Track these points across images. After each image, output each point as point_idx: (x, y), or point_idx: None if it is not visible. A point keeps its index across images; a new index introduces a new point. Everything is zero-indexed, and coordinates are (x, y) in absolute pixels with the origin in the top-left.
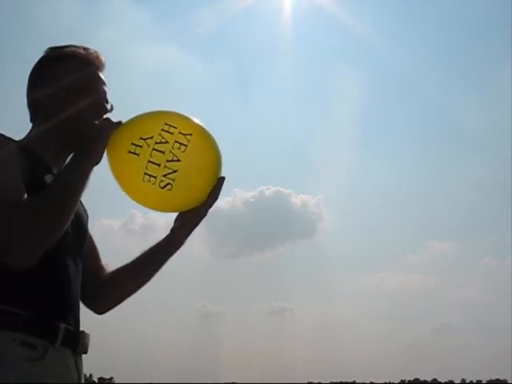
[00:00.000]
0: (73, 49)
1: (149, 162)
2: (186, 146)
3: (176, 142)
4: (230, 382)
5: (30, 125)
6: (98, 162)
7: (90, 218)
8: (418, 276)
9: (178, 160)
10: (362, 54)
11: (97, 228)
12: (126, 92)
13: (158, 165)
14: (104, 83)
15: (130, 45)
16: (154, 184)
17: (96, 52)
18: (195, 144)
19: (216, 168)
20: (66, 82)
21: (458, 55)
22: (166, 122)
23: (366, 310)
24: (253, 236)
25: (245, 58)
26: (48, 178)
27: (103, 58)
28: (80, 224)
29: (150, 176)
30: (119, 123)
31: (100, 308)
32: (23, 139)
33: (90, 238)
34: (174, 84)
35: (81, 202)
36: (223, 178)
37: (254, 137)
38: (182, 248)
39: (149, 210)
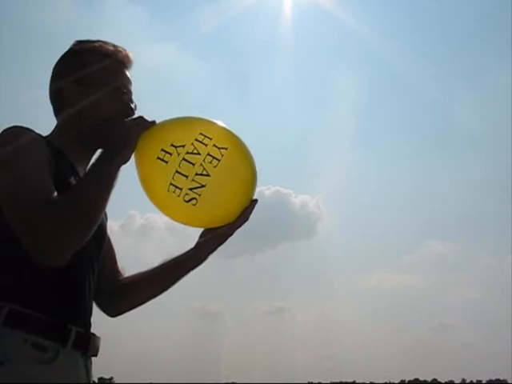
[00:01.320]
0: (100, 43)
1: (176, 172)
2: (218, 160)
3: (209, 154)
4: (230, 382)
5: (34, 123)
6: (127, 161)
7: None
8: (417, 276)
9: (208, 175)
10: (361, 53)
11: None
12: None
13: (186, 176)
14: (130, 82)
15: (129, 44)
16: (178, 196)
17: (125, 50)
18: (229, 160)
19: (248, 188)
20: (98, 81)
21: (457, 55)
22: (202, 131)
23: (365, 309)
24: (252, 236)
25: (244, 57)
26: (70, 175)
27: (132, 56)
28: (99, 224)
29: (176, 187)
30: (153, 123)
31: (113, 311)
32: (49, 137)
33: (108, 239)
34: (172, 83)
35: None
36: (256, 201)
37: (253, 136)
38: (183, 248)
39: (171, 220)
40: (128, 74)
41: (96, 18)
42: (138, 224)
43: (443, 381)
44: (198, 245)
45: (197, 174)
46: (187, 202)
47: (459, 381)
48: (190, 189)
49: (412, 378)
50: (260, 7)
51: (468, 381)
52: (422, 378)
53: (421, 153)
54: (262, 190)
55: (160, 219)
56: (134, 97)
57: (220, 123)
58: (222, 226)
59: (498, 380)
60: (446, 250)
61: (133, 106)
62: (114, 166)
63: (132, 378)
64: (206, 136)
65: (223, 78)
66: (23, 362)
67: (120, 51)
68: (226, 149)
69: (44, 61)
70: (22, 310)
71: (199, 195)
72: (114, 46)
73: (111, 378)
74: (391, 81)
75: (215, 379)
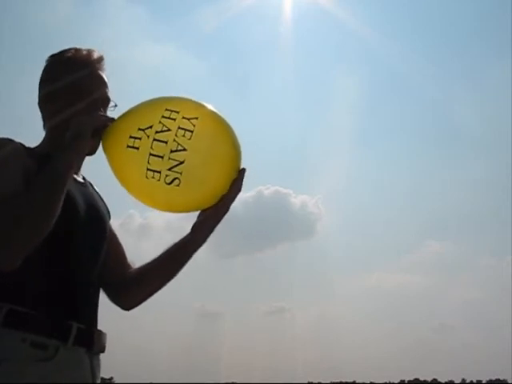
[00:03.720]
0: (73, 52)
1: (150, 155)
2: (191, 131)
3: (179, 128)
4: (229, 382)
5: (33, 123)
6: (82, 155)
7: None
8: (417, 276)
9: (184, 149)
10: (361, 53)
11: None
12: (123, 91)
13: (161, 157)
14: (104, 84)
15: (128, 44)
16: (158, 180)
17: (98, 53)
18: (202, 128)
19: (231, 155)
20: (63, 84)
21: (457, 55)
22: (167, 107)
23: (365, 309)
24: (252, 236)
25: (244, 57)
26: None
27: (104, 58)
28: (97, 218)
29: (154, 171)
30: (111, 119)
31: (127, 304)
32: (38, 146)
33: (114, 235)
34: (172, 83)
35: (100, 197)
36: (244, 170)
37: (252, 136)
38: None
39: (161, 211)
40: (102, 74)
41: (96, 18)
42: (137, 223)
43: (443, 381)
44: (194, 227)
45: (172, 151)
46: (169, 183)
47: (459, 381)
48: (169, 169)
49: (412, 378)
50: (260, 7)
51: (468, 381)
52: (422, 378)
53: (421, 153)
54: (261, 190)
55: (159, 218)
56: (111, 96)
57: (184, 96)
58: (215, 204)
59: (498, 380)
60: (445, 250)
61: (111, 104)
62: (62, 164)
63: (132, 378)
64: (172, 110)
65: (223, 78)
66: (21, 361)
67: (92, 55)
68: (197, 118)
69: (44, 61)
70: (20, 309)
71: (180, 173)
72: (87, 50)
73: (111, 378)
74: (391, 81)
75: (215, 379)
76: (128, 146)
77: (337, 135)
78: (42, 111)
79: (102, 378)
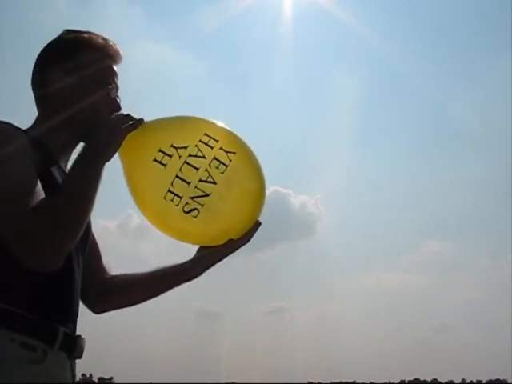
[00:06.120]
0: (91, 35)
1: (177, 176)
2: (226, 166)
3: (215, 158)
4: (229, 382)
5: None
6: (110, 159)
7: None
8: (417, 276)
9: (214, 182)
10: (361, 53)
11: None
12: (122, 91)
13: (188, 183)
14: (117, 77)
15: (128, 44)
16: (177, 205)
17: (115, 44)
18: (238, 166)
19: (258, 203)
20: (86, 73)
21: (457, 55)
22: (207, 132)
23: (365, 309)
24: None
25: (244, 57)
26: (56, 174)
27: (121, 51)
28: None
29: (175, 195)
30: (140, 121)
31: (99, 308)
32: (31, 129)
33: (93, 237)
34: (172, 83)
35: None
36: (260, 224)
37: (253, 136)
38: (180, 248)
39: (165, 235)
40: (116, 68)
41: (95, 17)
42: (135, 223)
43: (443, 381)
44: (194, 259)
45: (200, 181)
46: (187, 213)
47: (459, 381)
48: (192, 198)
49: (412, 378)
50: (260, 7)
51: (468, 381)
52: (422, 378)
53: (421, 153)
54: None
55: None
56: (119, 93)
57: (225, 125)
58: (222, 245)
59: (498, 380)
60: (445, 250)
61: (118, 101)
62: (99, 165)
63: (132, 378)
64: (211, 137)
65: (223, 78)
66: (12, 362)
67: (111, 45)
68: (235, 153)
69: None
70: (9, 308)
71: (202, 206)
72: (104, 39)
73: (111, 378)
74: (391, 81)
75: (215, 379)
76: (155, 160)
77: (337, 135)
78: (51, 98)
79: (102, 378)
